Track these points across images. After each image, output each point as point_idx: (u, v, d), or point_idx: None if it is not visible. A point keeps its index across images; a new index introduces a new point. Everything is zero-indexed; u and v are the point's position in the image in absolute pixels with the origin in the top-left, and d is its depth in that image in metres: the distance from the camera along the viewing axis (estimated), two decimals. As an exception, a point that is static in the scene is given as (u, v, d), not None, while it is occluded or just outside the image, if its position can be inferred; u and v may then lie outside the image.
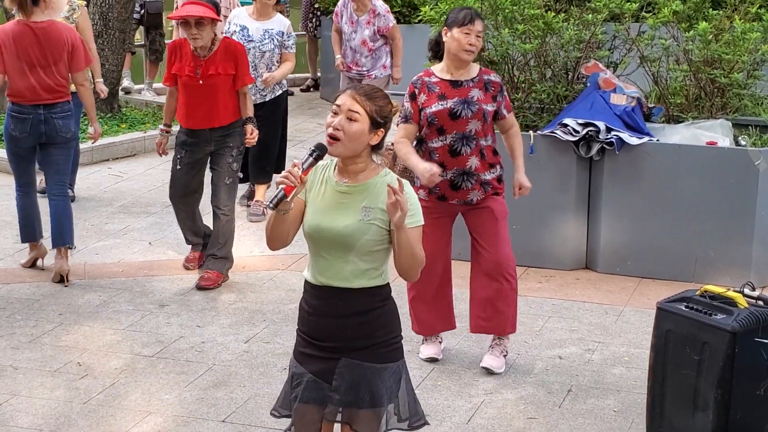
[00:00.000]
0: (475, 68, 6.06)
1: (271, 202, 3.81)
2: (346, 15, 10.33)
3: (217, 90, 7.27)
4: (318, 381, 4.01)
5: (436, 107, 5.94)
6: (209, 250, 7.51)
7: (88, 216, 8.95)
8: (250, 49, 8.52)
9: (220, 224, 7.46)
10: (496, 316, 6.14)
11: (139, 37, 13.36)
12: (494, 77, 6.05)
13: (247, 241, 8.30)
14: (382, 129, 3.95)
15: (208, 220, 7.78)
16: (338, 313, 3.98)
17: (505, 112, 6.06)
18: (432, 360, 6.25)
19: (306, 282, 4.07)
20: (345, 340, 4.00)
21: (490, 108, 5.97)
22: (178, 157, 7.48)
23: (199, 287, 7.34)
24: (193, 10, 7.08)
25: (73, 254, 7.67)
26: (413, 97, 6.02)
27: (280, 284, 7.43)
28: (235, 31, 8.73)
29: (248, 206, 9.06)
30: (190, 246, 7.78)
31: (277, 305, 7.07)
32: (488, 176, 6.03)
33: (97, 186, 9.83)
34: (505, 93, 6.10)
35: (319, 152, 3.89)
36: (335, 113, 3.92)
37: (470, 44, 5.90)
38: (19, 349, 6.40)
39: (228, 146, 7.39)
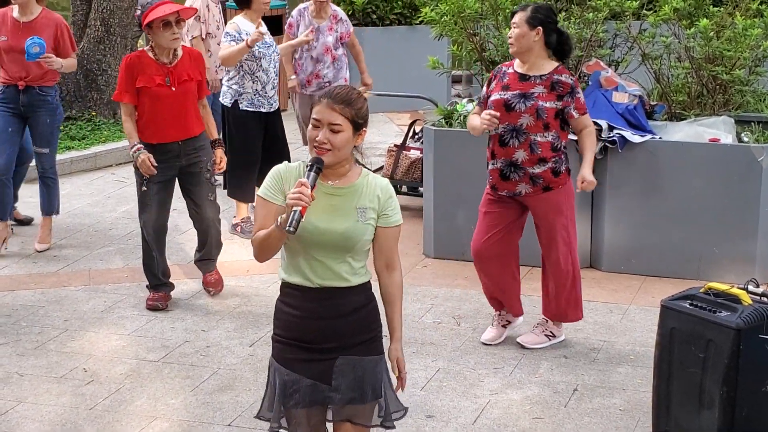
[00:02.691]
0: (548, 65, 6.21)
1: (290, 225, 3.72)
2: (303, 24, 9.43)
3: (189, 97, 6.97)
4: (316, 384, 4.01)
5: (495, 96, 6.24)
6: (206, 255, 7.38)
7: (93, 221, 8.96)
8: (270, 54, 8.30)
9: (213, 235, 7.31)
10: (546, 301, 6.51)
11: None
12: (566, 77, 6.17)
13: (250, 245, 8.28)
14: (364, 129, 3.95)
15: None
16: (337, 313, 3.98)
17: (574, 112, 6.19)
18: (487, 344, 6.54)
19: (292, 286, 4.01)
20: (343, 339, 4.00)
21: (549, 105, 6.13)
22: (145, 179, 6.92)
23: (216, 292, 7.35)
24: (173, 7, 6.76)
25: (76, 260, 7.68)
26: (489, 83, 6.39)
27: (284, 287, 7.42)
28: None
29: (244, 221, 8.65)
30: (154, 288, 7.24)
31: (281, 308, 7.07)
32: (537, 170, 6.19)
33: (101, 191, 9.84)
34: (579, 95, 6.19)
35: (318, 166, 3.85)
36: (316, 126, 3.88)
37: (509, 37, 6.23)
38: (25, 356, 6.41)
39: (201, 160, 7.07)
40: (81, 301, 7.26)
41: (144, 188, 6.99)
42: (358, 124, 3.91)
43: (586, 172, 6.26)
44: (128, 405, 5.79)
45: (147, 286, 7.27)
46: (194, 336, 6.68)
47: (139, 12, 6.87)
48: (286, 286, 4.05)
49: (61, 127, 11.02)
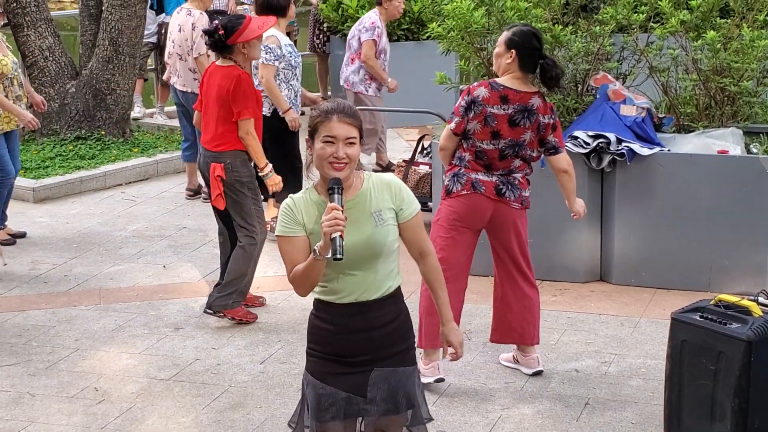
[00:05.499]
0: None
1: (337, 253, 3.74)
2: (383, 31, 10.20)
3: None
4: (352, 397, 4.03)
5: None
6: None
7: (102, 241, 8.97)
8: (299, 64, 8.40)
9: None
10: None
11: (150, 62, 13.38)
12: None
13: (261, 262, 8.28)
14: (362, 139, 4.01)
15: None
16: (371, 326, 4.01)
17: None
18: (439, 380, 6.17)
19: (327, 303, 4.04)
20: (377, 351, 4.03)
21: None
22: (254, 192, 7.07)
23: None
24: (270, 19, 7.14)
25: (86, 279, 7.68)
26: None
27: (294, 304, 7.43)
28: (289, 51, 8.43)
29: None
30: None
31: (292, 325, 7.08)
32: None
33: (111, 210, 9.86)
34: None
35: (341, 186, 3.87)
36: (330, 142, 3.90)
37: None
38: (36, 376, 6.42)
39: None
40: (91, 321, 7.27)
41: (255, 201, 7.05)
42: (361, 134, 3.99)
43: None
44: (140, 424, 5.79)
45: (234, 303, 7.09)
46: (205, 354, 6.69)
47: (223, 32, 6.73)
48: (318, 302, 4.08)
49: (71, 147, 11.11)
